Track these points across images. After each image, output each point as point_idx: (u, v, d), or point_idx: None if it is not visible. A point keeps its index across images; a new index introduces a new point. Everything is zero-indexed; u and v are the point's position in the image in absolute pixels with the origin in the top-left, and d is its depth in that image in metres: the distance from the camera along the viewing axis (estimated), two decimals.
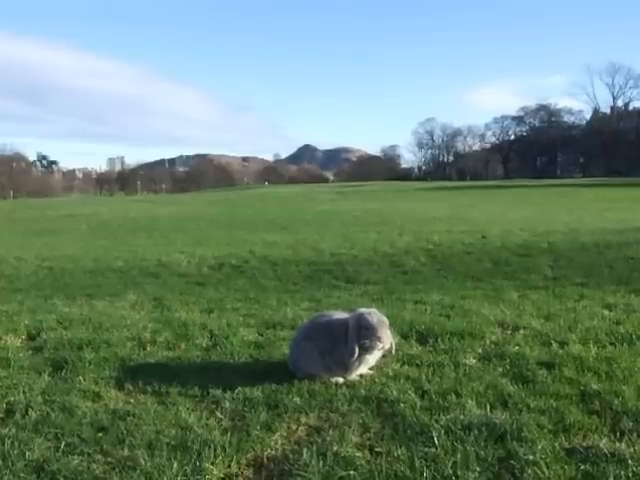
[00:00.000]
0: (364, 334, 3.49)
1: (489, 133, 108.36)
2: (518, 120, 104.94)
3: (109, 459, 2.70)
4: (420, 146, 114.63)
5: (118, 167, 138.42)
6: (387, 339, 3.55)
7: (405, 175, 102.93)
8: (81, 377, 3.79)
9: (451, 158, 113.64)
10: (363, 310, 3.63)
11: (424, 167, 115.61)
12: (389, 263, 9.01)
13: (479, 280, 7.27)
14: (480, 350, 4.17)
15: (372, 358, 3.65)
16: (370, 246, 11.28)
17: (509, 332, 4.64)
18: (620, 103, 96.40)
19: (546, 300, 5.87)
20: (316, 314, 4.12)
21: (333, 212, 24.87)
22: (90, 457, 2.72)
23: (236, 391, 3.46)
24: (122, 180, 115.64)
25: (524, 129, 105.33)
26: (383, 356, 3.75)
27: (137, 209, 32.86)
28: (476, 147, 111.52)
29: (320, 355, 3.60)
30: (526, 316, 5.13)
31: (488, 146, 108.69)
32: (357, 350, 3.51)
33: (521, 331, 4.63)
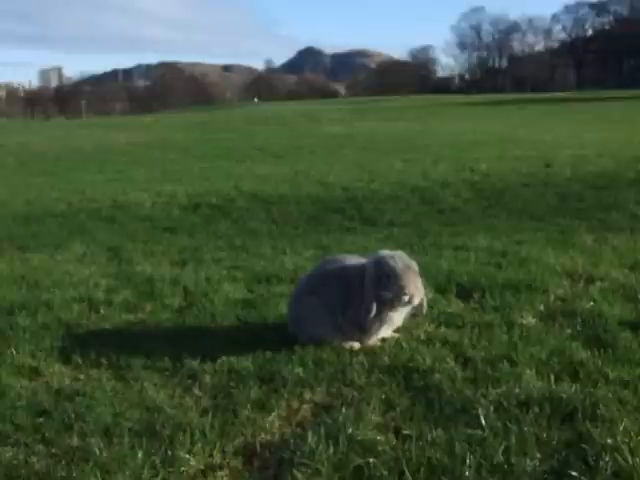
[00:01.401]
0: (385, 284, 3.49)
1: (557, 27, 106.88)
2: (598, 9, 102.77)
3: (53, 450, 2.76)
4: (463, 47, 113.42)
5: (54, 82, 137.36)
6: (416, 291, 3.54)
7: (442, 86, 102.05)
8: (14, 349, 3.84)
9: (505, 63, 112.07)
10: (385, 253, 3.62)
11: (468, 75, 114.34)
12: (420, 199, 9.08)
13: (541, 220, 7.33)
14: (542, 307, 4.21)
15: (397, 317, 3.67)
16: (395, 178, 11.32)
17: (581, 285, 4.67)
18: None
19: (631, 246, 5.89)
20: (323, 260, 4.14)
21: (345, 135, 24.72)
22: (28, 448, 2.78)
23: (219, 362, 3.50)
24: (60, 99, 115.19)
25: (606, 21, 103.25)
26: (412, 315, 3.76)
27: (83, 136, 32.77)
28: (539, 47, 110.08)
29: (329, 313, 3.63)
30: (604, 265, 5.16)
31: (556, 45, 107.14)
32: (376, 305, 3.52)
33: (597, 283, 4.67)
